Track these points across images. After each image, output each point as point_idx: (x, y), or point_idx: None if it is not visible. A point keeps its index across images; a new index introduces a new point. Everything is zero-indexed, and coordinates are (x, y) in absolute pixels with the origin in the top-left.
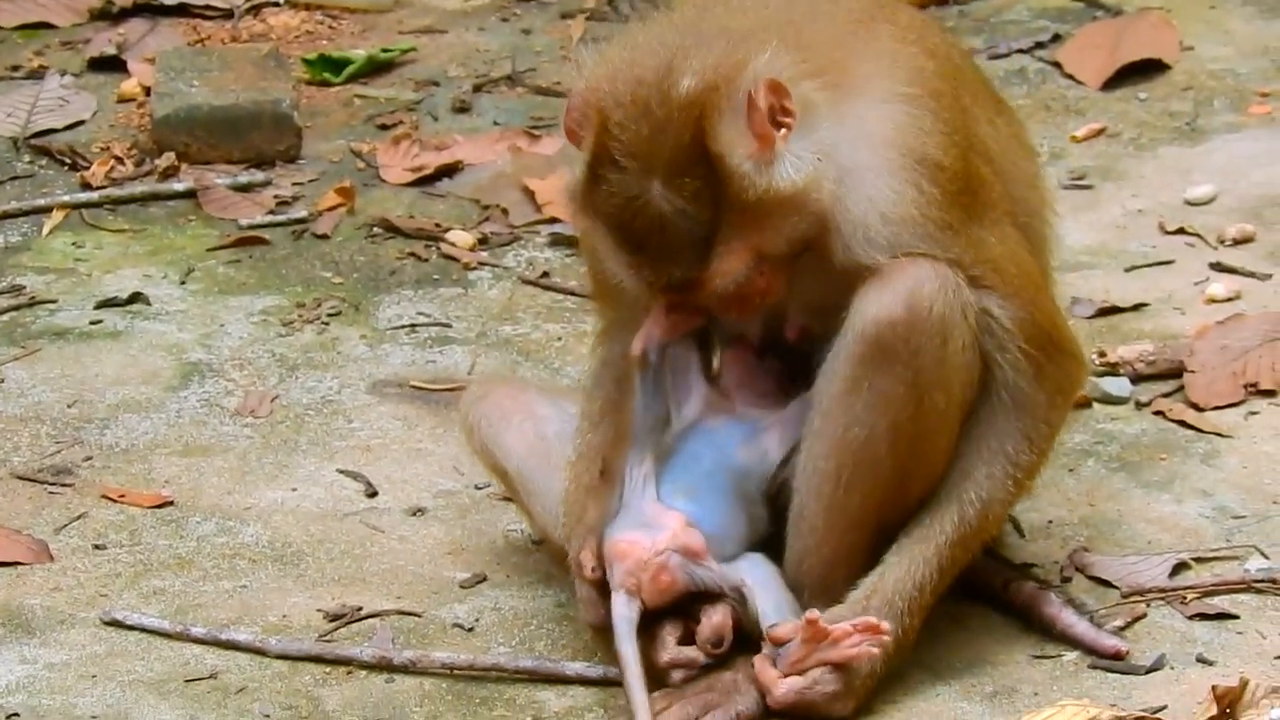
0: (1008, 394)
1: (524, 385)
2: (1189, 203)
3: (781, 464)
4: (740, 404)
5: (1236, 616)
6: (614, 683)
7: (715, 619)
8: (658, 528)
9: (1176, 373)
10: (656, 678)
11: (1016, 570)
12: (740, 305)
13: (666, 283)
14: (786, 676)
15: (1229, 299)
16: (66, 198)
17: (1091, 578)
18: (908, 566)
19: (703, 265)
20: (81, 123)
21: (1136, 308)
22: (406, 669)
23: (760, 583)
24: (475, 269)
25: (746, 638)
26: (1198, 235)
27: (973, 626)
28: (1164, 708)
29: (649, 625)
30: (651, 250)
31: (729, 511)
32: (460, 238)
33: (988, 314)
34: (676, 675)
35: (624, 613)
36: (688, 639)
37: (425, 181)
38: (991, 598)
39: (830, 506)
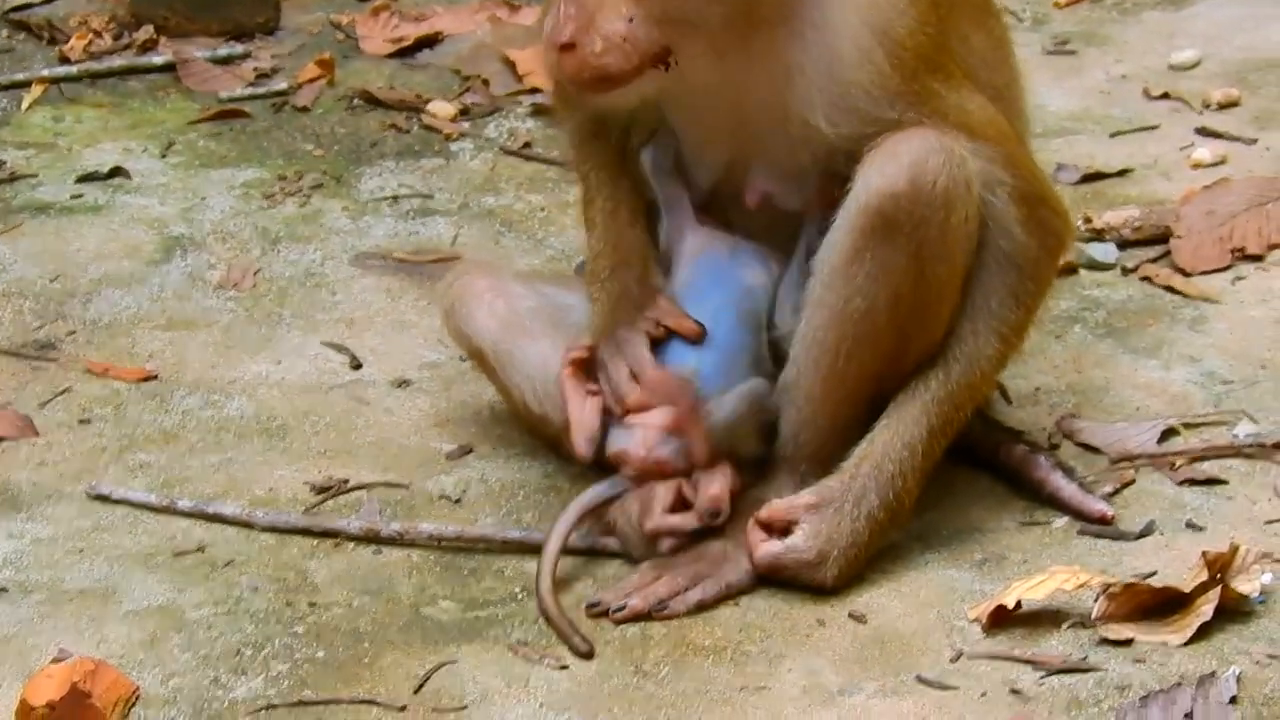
0: (993, 251)
1: (498, 269)
2: (1173, 67)
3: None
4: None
5: (1225, 482)
6: (601, 553)
7: (713, 489)
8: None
9: (1163, 238)
10: (646, 548)
11: (1008, 433)
12: (599, 80)
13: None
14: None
15: (1214, 163)
16: (45, 72)
17: (1079, 444)
18: (896, 428)
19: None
20: None
21: (1122, 173)
22: (394, 541)
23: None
24: (456, 140)
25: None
26: (1182, 100)
27: (961, 493)
28: (1154, 573)
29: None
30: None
31: (736, 354)
32: (441, 109)
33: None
34: (664, 544)
35: (597, 491)
36: (678, 506)
37: (405, 53)
38: (982, 461)
39: (828, 377)
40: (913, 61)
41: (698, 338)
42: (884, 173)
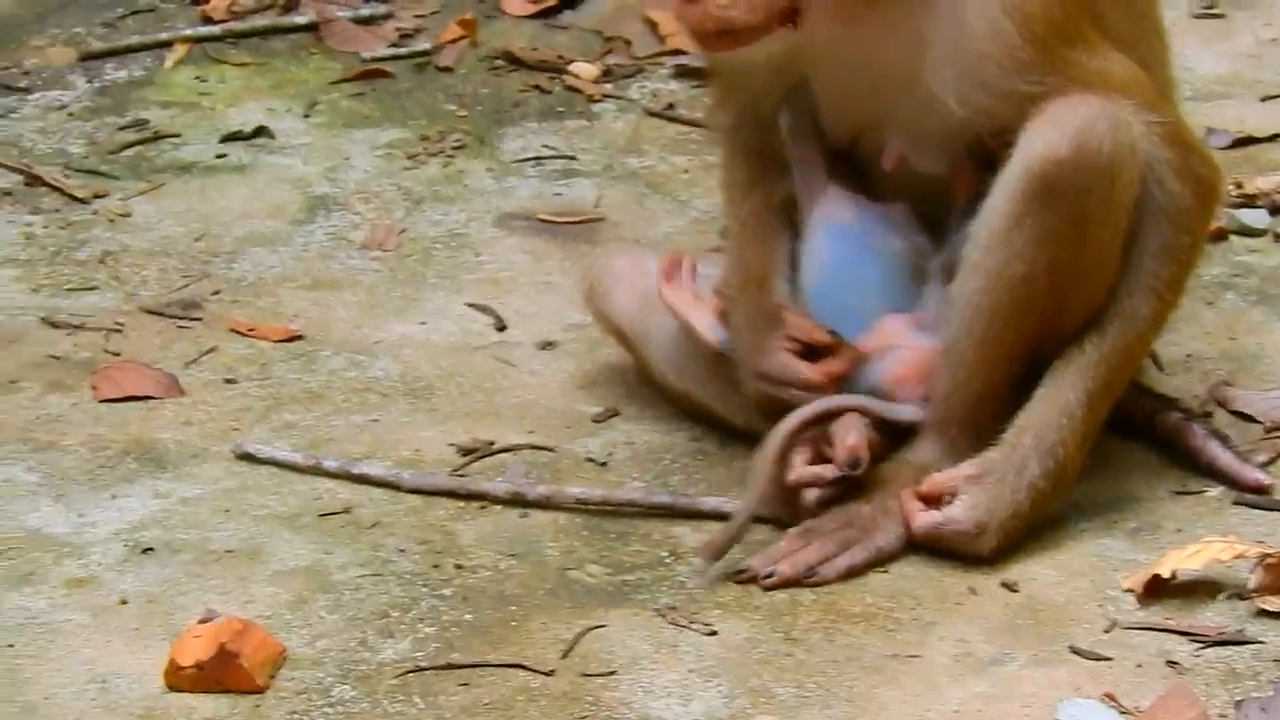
0: (1147, 205)
1: (637, 248)
2: None
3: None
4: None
5: None
6: (751, 518)
7: (850, 440)
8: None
9: None
10: (789, 507)
11: (1162, 401)
12: (726, 36)
13: None
14: (926, 509)
15: None
16: (189, 31)
17: (1233, 412)
18: (1054, 395)
19: None
20: None
21: (1273, 138)
22: (541, 504)
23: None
24: (599, 101)
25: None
26: None
27: (1114, 462)
28: None
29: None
30: None
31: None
32: (584, 70)
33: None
34: (810, 495)
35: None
36: (816, 460)
37: (547, 13)
38: (1135, 430)
39: (983, 342)
40: (1045, 33)
41: (829, 347)
42: (1048, 139)
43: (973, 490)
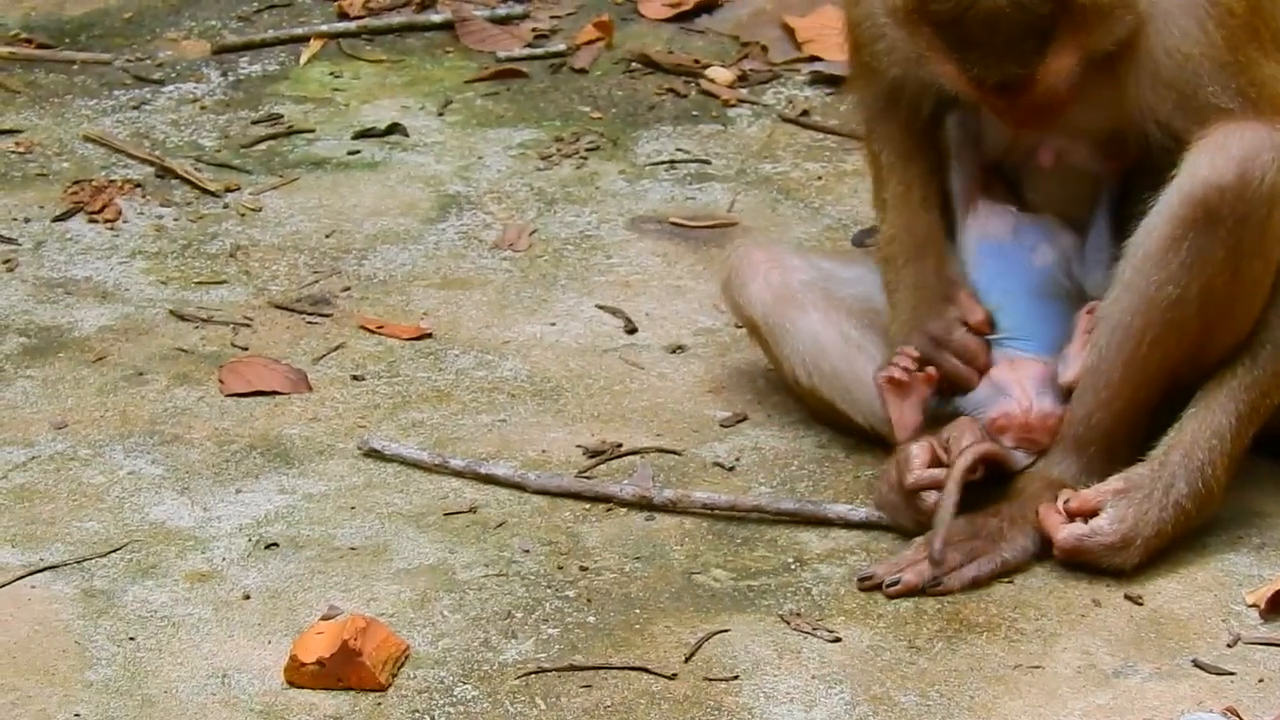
0: None
1: (776, 241)
2: None
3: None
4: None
5: None
6: (876, 526)
7: (965, 442)
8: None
9: None
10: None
11: None
12: (1043, 116)
13: (999, 81)
14: (1071, 522)
15: None
16: (324, 27)
17: None
18: (1204, 416)
19: (1037, 62)
20: None
21: None
22: (667, 508)
23: None
24: (734, 106)
25: (999, 473)
26: None
27: (1242, 477)
28: None
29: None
30: (985, 47)
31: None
32: (719, 74)
33: None
34: (929, 498)
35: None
36: (933, 464)
37: (684, 17)
38: (1266, 445)
39: (1129, 362)
40: (1238, 30)
41: (987, 331)
42: (1213, 164)
43: (1119, 505)
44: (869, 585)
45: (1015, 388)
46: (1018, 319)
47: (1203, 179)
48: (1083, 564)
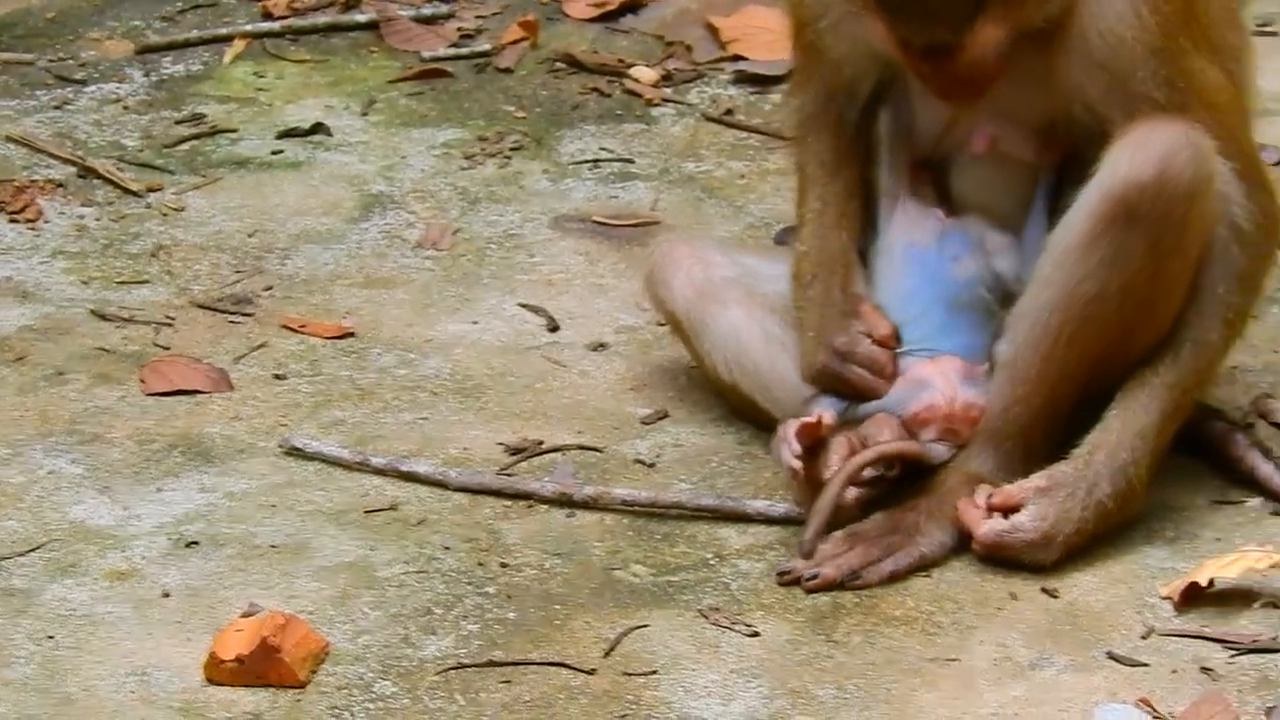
0: (1220, 236)
1: (700, 237)
2: None
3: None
4: (949, 214)
5: None
6: (795, 521)
7: (883, 437)
8: (933, 381)
9: None
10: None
11: (1207, 411)
12: (970, 89)
13: (927, 45)
14: (991, 518)
15: None
16: (248, 27)
17: (1274, 424)
18: (1127, 416)
19: (966, 29)
20: None
21: None
22: (587, 504)
23: None
24: (658, 105)
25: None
26: None
27: (1157, 472)
28: None
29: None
30: (916, 7)
31: (966, 330)
32: (643, 74)
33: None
34: (850, 494)
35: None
36: (852, 458)
37: (609, 17)
38: (1180, 438)
39: (1048, 358)
40: (1172, 17)
41: (892, 345)
42: (1133, 161)
43: (1041, 502)
44: (788, 580)
45: (937, 379)
46: (931, 329)
47: (1122, 176)
48: (1002, 559)
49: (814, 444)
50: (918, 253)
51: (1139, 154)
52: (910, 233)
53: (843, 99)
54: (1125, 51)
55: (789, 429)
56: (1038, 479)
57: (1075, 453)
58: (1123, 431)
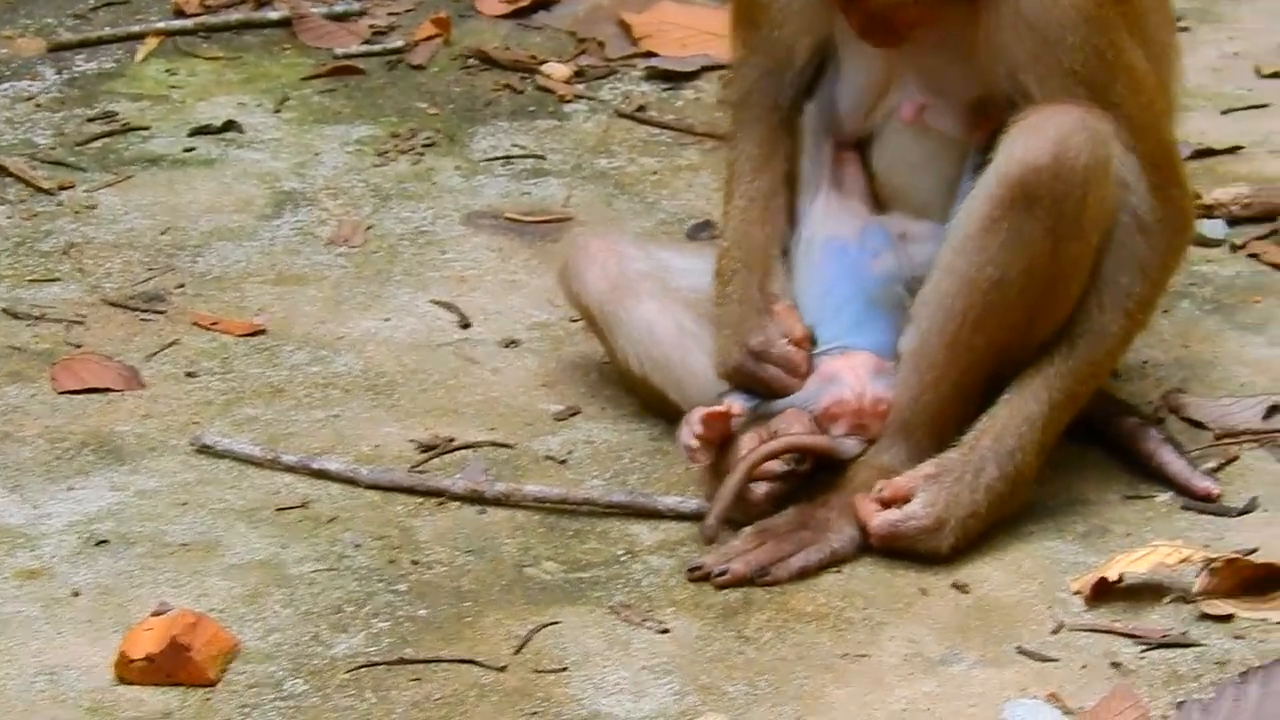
0: (1124, 226)
1: (615, 230)
2: None
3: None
4: (873, 205)
5: None
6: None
7: (794, 430)
8: (843, 376)
9: (1272, 215)
10: (745, 514)
11: (1118, 406)
12: (887, 29)
13: None
14: (885, 509)
15: None
16: (161, 25)
17: (1185, 419)
18: (1018, 403)
19: None
20: None
21: (1232, 150)
22: (498, 501)
23: None
24: (570, 102)
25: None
26: None
27: (1066, 465)
28: (1256, 550)
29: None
30: None
31: (882, 328)
32: (556, 70)
33: (1116, 136)
34: (759, 489)
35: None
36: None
37: (521, 14)
38: (1090, 433)
39: (952, 344)
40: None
41: (806, 346)
42: (1028, 145)
43: (931, 489)
44: (698, 576)
45: (848, 374)
46: (847, 325)
47: (1018, 160)
48: (900, 550)
49: (723, 437)
50: (838, 248)
51: (1034, 138)
52: (831, 228)
53: (778, 78)
54: (1058, 14)
55: (694, 413)
56: (926, 467)
57: (963, 439)
58: (1011, 418)
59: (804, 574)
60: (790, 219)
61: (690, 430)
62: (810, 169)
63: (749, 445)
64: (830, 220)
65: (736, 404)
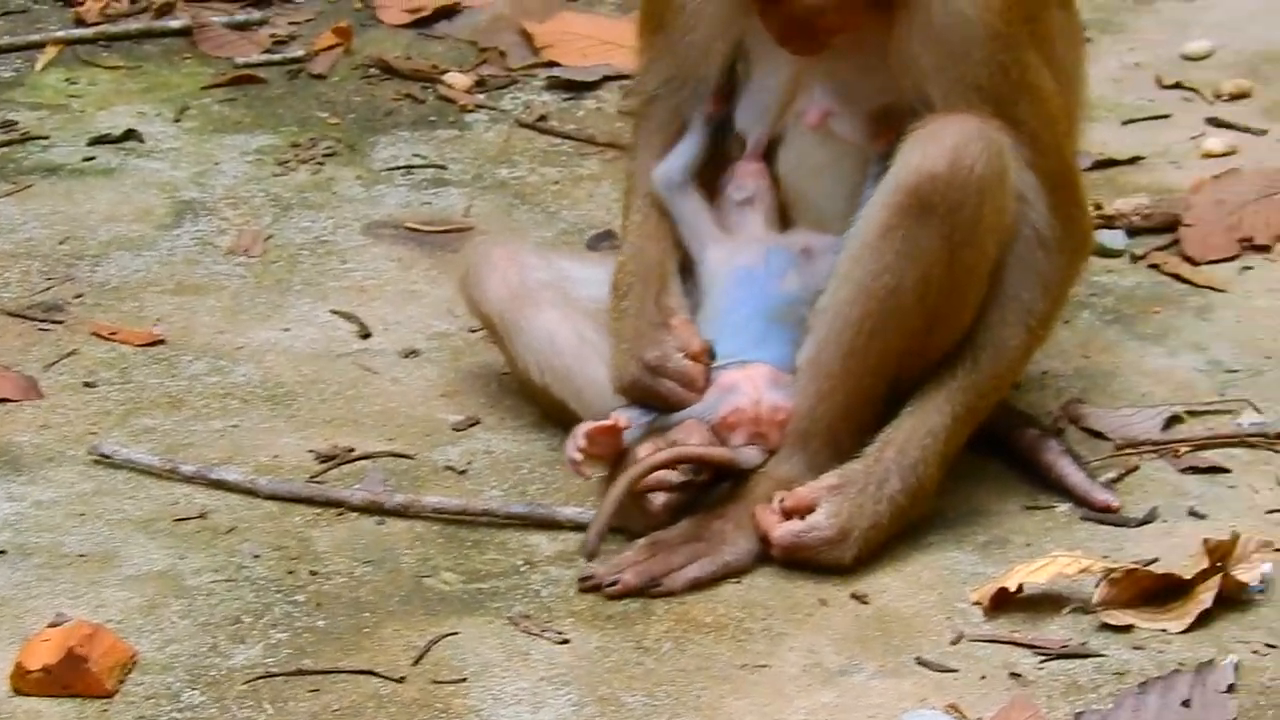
0: (1025, 241)
1: (516, 239)
2: (1186, 57)
3: None
4: (776, 224)
5: (1228, 470)
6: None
7: (692, 442)
8: (740, 386)
9: (1172, 226)
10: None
11: (1018, 417)
12: (807, 35)
13: None
14: (787, 521)
15: (1225, 154)
16: (61, 33)
17: (1085, 429)
18: (921, 415)
19: None
20: None
21: (1133, 161)
22: (397, 512)
23: None
24: (472, 111)
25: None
26: (1194, 90)
27: (966, 476)
28: (1155, 560)
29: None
30: None
31: (784, 343)
32: (457, 80)
33: (1016, 151)
34: (657, 500)
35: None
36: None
37: (423, 23)
38: (990, 444)
39: (850, 354)
40: (1016, 6)
41: (704, 361)
42: (925, 152)
43: (834, 500)
44: (589, 586)
45: (745, 384)
46: (748, 340)
47: (914, 167)
48: (802, 561)
49: (614, 451)
50: (743, 275)
51: (931, 145)
52: (736, 254)
53: (684, 84)
54: (967, 29)
55: (579, 428)
56: (829, 478)
57: (867, 450)
58: (914, 429)
59: (696, 585)
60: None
61: (574, 445)
62: (682, 216)
63: (646, 454)
64: (738, 247)
65: (623, 417)
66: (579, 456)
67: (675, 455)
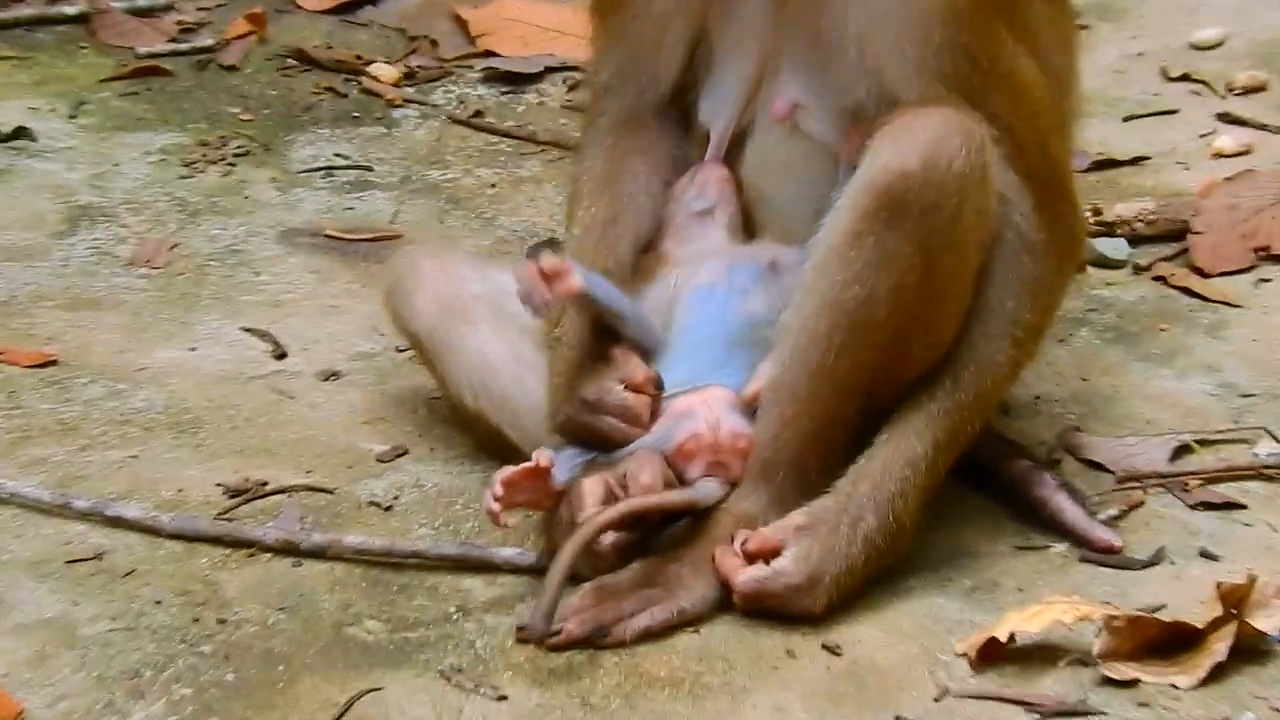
0: (1008, 246)
1: (448, 251)
2: (1194, 46)
3: None
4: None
5: (1244, 506)
6: (547, 571)
7: (644, 478)
8: (696, 411)
9: (1180, 234)
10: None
11: (1009, 447)
12: None
13: None
14: (751, 565)
15: (1238, 153)
16: None
17: (1083, 460)
18: (898, 443)
19: None
20: None
21: (1136, 161)
22: (316, 553)
23: None
24: (400, 106)
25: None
26: (1204, 82)
27: (951, 512)
28: (1163, 606)
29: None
30: None
31: (746, 365)
32: (383, 71)
33: (997, 146)
34: (605, 540)
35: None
36: (609, 501)
37: (345, 9)
38: (977, 477)
39: (816, 373)
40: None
41: (649, 392)
42: (896, 149)
43: (803, 541)
44: (526, 636)
45: (701, 408)
46: (704, 365)
47: (884, 165)
48: (768, 610)
49: (541, 495)
50: (705, 291)
51: (904, 140)
52: (695, 270)
53: (640, 72)
54: (922, 3)
55: (498, 475)
56: (796, 517)
57: (838, 484)
58: (890, 460)
59: (648, 635)
60: (636, 243)
61: (491, 493)
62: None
63: (593, 496)
64: (700, 264)
65: (545, 455)
66: (495, 507)
67: (626, 511)
